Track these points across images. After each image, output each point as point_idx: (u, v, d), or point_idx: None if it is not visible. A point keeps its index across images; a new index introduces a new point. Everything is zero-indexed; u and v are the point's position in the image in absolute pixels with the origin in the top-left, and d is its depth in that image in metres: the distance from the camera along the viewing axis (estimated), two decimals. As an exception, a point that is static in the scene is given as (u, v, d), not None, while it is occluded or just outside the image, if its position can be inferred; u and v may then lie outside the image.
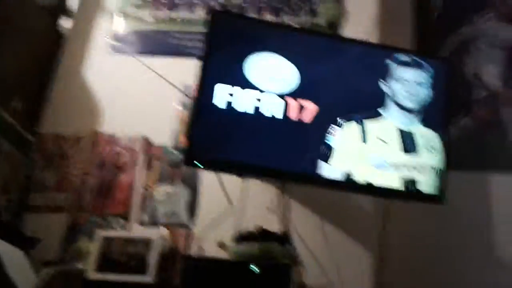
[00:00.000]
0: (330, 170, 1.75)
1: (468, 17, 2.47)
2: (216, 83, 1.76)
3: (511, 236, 2.04)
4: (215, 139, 1.75)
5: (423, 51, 2.37)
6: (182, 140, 2.13)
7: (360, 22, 2.30)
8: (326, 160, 1.76)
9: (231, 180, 1.87)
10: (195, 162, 1.75)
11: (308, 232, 1.90)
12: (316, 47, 1.90)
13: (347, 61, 1.89)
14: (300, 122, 1.77)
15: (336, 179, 1.75)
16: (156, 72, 2.25)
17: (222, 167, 1.80)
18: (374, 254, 1.90)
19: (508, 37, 2.41)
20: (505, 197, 2.10)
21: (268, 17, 2.38)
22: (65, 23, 2.41)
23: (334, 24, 2.33)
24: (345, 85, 1.86)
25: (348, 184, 1.76)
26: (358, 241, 1.89)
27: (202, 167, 1.83)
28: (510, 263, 2.00)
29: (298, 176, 1.77)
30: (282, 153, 1.77)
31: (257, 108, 1.76)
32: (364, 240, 1.91)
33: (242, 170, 1.80)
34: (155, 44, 2.38)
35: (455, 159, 2.03)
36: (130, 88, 2.29)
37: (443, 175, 1.84)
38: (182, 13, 2.42)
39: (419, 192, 1.81)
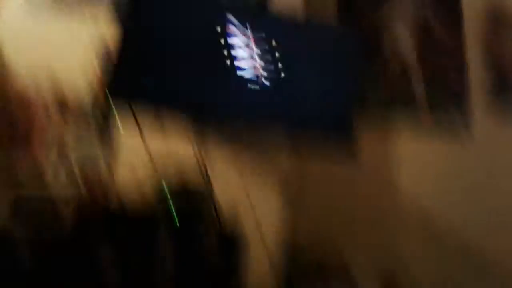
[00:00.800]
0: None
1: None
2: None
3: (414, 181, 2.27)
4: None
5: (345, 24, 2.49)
6: (97, 89, 2.07)
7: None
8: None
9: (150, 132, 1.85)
10: (107, 93, 1.69)
11: (224, 168, 1.93)
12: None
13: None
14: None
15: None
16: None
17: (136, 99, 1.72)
18: (287, 187, 1.99)
19: (418, 16, 2.60)
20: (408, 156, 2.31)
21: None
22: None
23: None
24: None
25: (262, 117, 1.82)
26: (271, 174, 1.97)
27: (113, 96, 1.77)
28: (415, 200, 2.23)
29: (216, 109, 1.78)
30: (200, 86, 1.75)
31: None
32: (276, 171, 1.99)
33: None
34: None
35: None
36: (40, 34, 2.16)
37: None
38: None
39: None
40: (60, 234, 1.61)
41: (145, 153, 1.80)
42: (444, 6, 2.58)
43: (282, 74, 1.87)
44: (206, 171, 1.78)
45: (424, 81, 2.48)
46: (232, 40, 1.80)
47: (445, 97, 2.45)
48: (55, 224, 1.65)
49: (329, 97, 1.95)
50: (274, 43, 1.87)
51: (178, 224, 1.54)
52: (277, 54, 1.87)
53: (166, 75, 1.71)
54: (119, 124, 1.96)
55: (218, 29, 1.78)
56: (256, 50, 1.84)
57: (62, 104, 2.07)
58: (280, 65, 1.87)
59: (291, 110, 1.87)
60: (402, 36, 2.56)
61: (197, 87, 1.74)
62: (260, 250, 1.82)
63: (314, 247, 2.01)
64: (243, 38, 1.82)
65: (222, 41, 1.78)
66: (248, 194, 1.89)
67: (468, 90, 2.44)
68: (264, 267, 1.81)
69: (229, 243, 1.50)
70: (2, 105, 2.05)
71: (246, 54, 1.82)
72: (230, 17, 1.81)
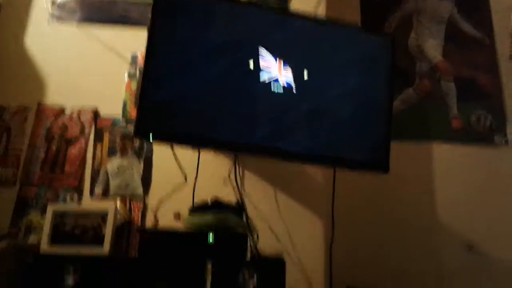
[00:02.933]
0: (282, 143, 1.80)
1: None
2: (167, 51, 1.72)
3: (450, 199, 2.23)
4: (166, 110, 1.70)
5: (368, 27, 2.46)
6: (132, 111, 2.12)
7: None
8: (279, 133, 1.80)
9: (185, 152, 1.88)
10: (145, 134, 1.72)
11: (261, 201, 1.96)
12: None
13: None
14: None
15: (287, 151, 1.80)
16: (100, 41, 2.20)
17: (173, 140, 1.77)
18: (325, 220, 1.98)
19: (444, 13, 2.55)
20: (446, 165, 2.27)
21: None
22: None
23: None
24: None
25: (300, 155, 1.82)
26: (309, 208, 1.97)
27: (153, 139, 1.83)
28: (449, 221, 2.19)
29: (252, 148, 1.78)
30: (236, 124, 1.76)
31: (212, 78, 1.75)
32: (315, 207, 1.98)
33: (195, 142, 1.79)
34: (98, 12, 2.29)
35: (399, 130, 2.16)
36: (75, 58, 2.22)
37: (386, 145, 1.93)
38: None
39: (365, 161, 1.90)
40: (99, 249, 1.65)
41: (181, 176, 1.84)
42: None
43: (306, 77, 1.87)
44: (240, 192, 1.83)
45: (454, 81, 2.45)
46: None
47: (476, 99, 2.41)
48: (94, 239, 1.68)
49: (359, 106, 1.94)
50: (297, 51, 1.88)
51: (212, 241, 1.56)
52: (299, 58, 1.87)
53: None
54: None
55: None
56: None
57: (97, 123, 2.12)
58: (303, 68, 1.86)
59: (317, 116, 1.87)
60: (428, 34, 2.52)
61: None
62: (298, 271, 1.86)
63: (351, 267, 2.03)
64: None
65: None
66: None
67: (500, 91, 2.40)
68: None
69: (267, 266, 1.51)
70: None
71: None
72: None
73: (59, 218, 1.67)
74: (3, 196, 1.99)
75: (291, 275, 1.59)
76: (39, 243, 1.66)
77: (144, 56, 1.73)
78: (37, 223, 1.90)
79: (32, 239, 1.84)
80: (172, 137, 1.75)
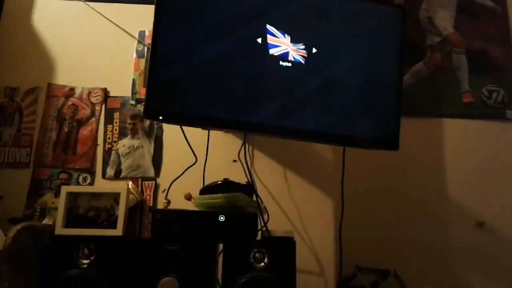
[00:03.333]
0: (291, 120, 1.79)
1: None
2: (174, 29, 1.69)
3: (461, 176, 2.22)
4: (175, 90, 1.68)
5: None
6: (141, 91, 2.12)
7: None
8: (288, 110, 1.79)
9: (194, 132, 1.89)
10: (155, 115, 1.72)
11: (271, 180, 1.98)
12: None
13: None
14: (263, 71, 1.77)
15: (297, 129, 1.79)
16: (108, 19, 2.19)
17: (183, 120, 1.76)
18: (335, 198, 1.99)
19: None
20: (457, 140, 2.25)
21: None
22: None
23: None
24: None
25: (309, 134, 1.82)
26: (319, 187, 1.98)
27: (163, 120, 1.83)
28: (460, 197, 2.19)
29: (261, 127, 1.77)
30: (245, 103, 1.74)
31: (220, 56, 1.73)
32: (324, 186, 1.99)
33: (204, 123, 1.78)
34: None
35: (409, 105, 2.14)
36: (82, 36, 2.21)
37: (396, 122, 1.92)
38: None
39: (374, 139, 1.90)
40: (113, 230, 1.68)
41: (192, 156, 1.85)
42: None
43: (314, 51, 1.84)
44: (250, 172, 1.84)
45: (466, 54, 2.41)
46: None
47: (488, 71, 2.38)
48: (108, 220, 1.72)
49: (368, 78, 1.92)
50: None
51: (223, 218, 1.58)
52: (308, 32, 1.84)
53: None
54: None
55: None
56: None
57: (107, 103, 2.13)
58: (311, 42, 1.83)
59: (326, 91, 1.85)
60: (440, 4, 2.47)
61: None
62: (308, 250, 1.88)
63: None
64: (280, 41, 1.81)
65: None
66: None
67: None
68: (314, 268, 1.87)
69: (277, 246, 1.54)
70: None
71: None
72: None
73: (73, 200, 1.70)
74: (18, 179, 2.02)
75: (301, 254, 1.61)
76: (54, 224, 1.69)
77: (152, 35, 1.71)
78: (52, 204, 1.95)
79: (46, 219, 1.88)
80: (181, 118, 1.74)
